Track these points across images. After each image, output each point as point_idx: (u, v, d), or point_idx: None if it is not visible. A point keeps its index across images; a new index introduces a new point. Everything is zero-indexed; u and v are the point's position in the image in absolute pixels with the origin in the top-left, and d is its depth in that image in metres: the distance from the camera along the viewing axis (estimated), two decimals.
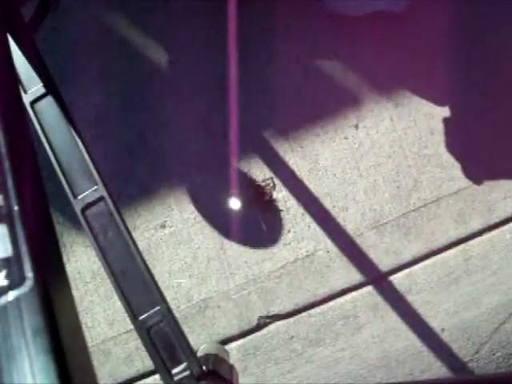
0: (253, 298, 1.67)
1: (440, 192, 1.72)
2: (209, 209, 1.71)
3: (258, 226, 1.69)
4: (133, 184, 1.69)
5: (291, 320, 1.66)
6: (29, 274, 0.49)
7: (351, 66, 1.80)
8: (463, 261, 1.69)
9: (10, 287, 0.48)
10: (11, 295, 0.48)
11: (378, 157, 1.74)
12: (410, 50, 1.79)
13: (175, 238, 1.69)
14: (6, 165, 0.58)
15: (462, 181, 1.72)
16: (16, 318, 0.46)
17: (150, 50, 1.80)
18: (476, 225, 1.70)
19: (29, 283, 0.48)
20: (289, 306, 1.66)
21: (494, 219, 1.70)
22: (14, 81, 0.76)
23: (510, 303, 1.67)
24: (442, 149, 1.73)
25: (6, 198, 0.54)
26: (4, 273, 0.49)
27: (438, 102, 1.77)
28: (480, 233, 1.69)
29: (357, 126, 1.76)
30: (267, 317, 1.66)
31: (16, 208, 0.54)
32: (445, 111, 1.76)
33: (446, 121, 1.77)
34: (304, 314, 1.66)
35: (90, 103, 1.72)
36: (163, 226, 1.70)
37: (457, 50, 1.79)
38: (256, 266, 1.68)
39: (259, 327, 1.66)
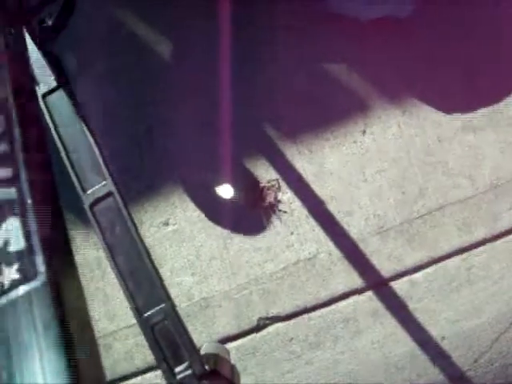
0: (254, 298, 1.67)
1: (445, 200, 1.71)
2: (212, 208, 1.71)
3: (262, 227, 1.69)
4: (139, 180, 1.70)
5: (291, 322, 1.67)
6: (41, 268, 0.49)
7: (360, 71, 1.80)
8: (465, 269, 1.69)
9: (22, 281, 0.48)
10: (22, 289, 0.48)
11: (384, 163, 1.74)
12: (418, 55, 1.79)
13: (178, 235, 1.70)
14: (20, 158, 0.58)
15: (468, 190, 1.72)
16: (27, 311, 0.46)
17: (159, 47, 1.81)
18: (480, 234, 1.70)
19: (41, 278, 0.49)
20: (289, 308, 1.66)
21: (498, 229, 1.70)
22: (29, 74, 0.77)
23: (511, 312, 1.67)
24: (448, 157, 1.73)
25: (20, 191, 0.55)
26: (16, 266, 0.50)
27: (447, 110, 1.77)
28: (483, 242, 1.69)
29: (364, 132, 1.76)
30: (267, 318, 1.66)
31: (29, 201, 0.54)
32: (453, 119, 1.75)
33: (453, 129, 1.76)
34: (304, 316, 1.66)
35: (100, 99, 1.72)
36: (166, 224, 1.71)
37: (466, 56, 1.78)
38: (258, 267, 1.68)
39: (259, 328, 1.66)
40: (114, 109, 1.75)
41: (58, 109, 0.94)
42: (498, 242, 1.69)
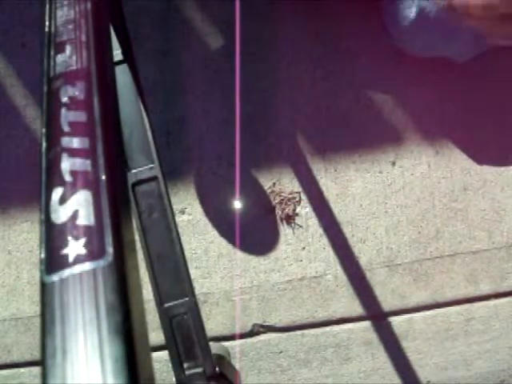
0: (252, 304, 1.66)
1: (458, 248, 1.72)
2: (229, 208, 1.71)
3: (275, 236, 1.69)
4: (164, 164, 1.69)
5: (284, 335, 1.66)
6: (109, 248, 0.49)
7: (401, 104, 1.80)
8: (464, 320, 1.69)
9: (89, 258, 0.48)
10: (88, 265, 0.47)
11: (407, 198, 1.74)
12: (463, 102, 1.79)
13: (191, 226, 1.69)
14: (99, 131, 0.57)
15: (483, 243, 1.72)
16: (91, 289, 0.45)
17: (211, 36, 1.80)
18: (485, 288, 1.70)
19: (108, 258, 0.48)
20: (285, 321, 1.66)
21: (505, 287, 1.71)
22: (109, 43, 0.76)
23: (500, 373, 1.67)
24: (471, 206, 1.73)
25: (95, 165, 0.54)
26: (84, 241, 0.49)
27: (478, 160, 1.78)
28: (488, 297, 1.70)
29: (394, 164, 1.76)
30: (262, 326, 1.66)
31: (103, 177, 0.54)
32: (483, 170, 1.76)
33: (481, 180, 1.77)
34: (298, 332, 1.66)
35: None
36: (182, 212, 1.70)
37: (506, 111, 1.79)
38: (263, 274, 1.68)
39: (251, 334, 1.66)
40: (150, 93, 1.75)
41: (120, 83, 0.94)
42: (503, 301, 1.69)
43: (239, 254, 1.68)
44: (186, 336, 0.84)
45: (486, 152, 1.78)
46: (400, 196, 1.74)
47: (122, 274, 0.49)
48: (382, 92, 1.76)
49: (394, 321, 1.68)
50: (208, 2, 1.79)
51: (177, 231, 0.87)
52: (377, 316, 1.68)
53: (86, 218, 0.51)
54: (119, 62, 0.95)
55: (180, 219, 1.70)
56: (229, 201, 1.70)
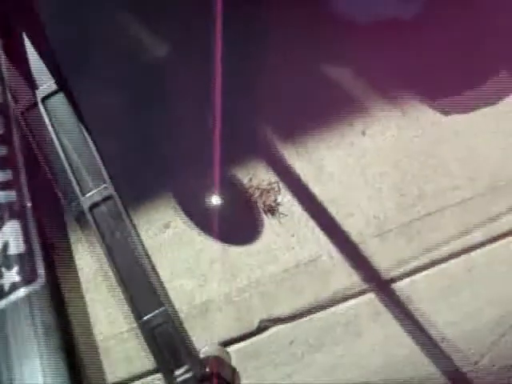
0: (254, 301, 1.66)
1: (444, 202, 1.72)
2: (212, 211, 1.71)
3: (262, 230, 1.69)
4: (139, 184, 1.70)
5: (292, 324, 1.66)
6: (41, 271, 0.49)
7: (359, 73, 1.80)
8: (465, 271, 1.68)
9: (22, 284, 0.48)
10: (23, 291, 0.48)
11: (383, 164, 1.74)
12: (418, 58, 1.79)
13: (178, 239, 1.70)
14: (20, 161, 0.58)
15: (467, 191, 1.72)
16: (27, 314, 0.46)
17: (159, 51, 1.81)
18: (479, 235, 1.70)
19: (41, 280, 0.49)
20: (290, 311, 1.66)
21: (498, 230, 1.70)
22: (28, 77, 0.76)
23: (511, 315, 1.67)
24: (448, 158, 1.73)
25: (19, 194, 0.54)
26: (16, 269, 0.50)
27: (446, 112, 1.78)
28: (483, 244, 1.69)
29: (363, 133, 1.76)
30: (268, 320, 1.66)
31: (29, 204, 0.54)
32: (453, 120, 1.76)
33: (453, 130, 1.77)
34: (305, 318, 1.66)
35: (98, 103, 1.72)
36: (167, 227, 1.71)
37: (467, 58, 1.79)
38: (258, 270, 1.68)
39: (260, 330, 1.66)
40: (112, 113, 1.75)
41: (58, 112, 0.94)
42: (498, 244, 1.69)
43: (231, 255, 1.68)
44: (170, 344, 0.84)
45: (452, 102, 1.78)
46: (376, 164, 1.74)
47: (58, 293, 0.49)
48: (334, 66, 1.76)
49: (397, 287, 1.68)
50: None
51: (141, 244, 0.87)
52: (378, 286, 1.67)
53: (16, 247, 0.51)
54: (54, 93, 0.96)
55: (166, 234, 1.70)
56: (209, 206, 1.70)
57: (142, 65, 1.81)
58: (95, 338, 0.48)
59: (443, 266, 1.69)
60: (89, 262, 1.64)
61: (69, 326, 0.46)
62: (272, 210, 1.70)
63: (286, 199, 1.72)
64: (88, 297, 1.66)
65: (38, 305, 0.46)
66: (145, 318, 0.85)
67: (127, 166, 1.70)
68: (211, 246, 1.69)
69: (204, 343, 1.56)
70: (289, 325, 1.66)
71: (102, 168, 0.93)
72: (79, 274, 1.66)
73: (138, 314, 0.85)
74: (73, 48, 1.74)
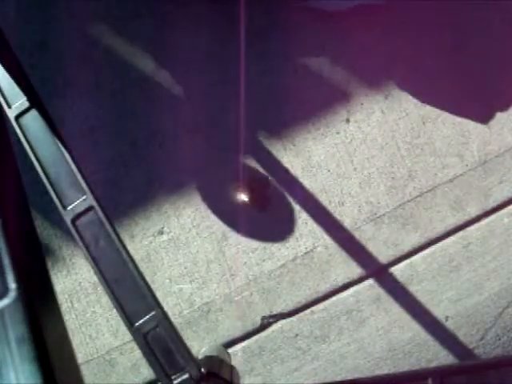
0: (255, 298, 1.66)
1: (435, 180, 1.71)
2: (205, 212, 1.71)
3: (256, 226, 1.69)
4: (128, 192, 1.70)
5: (294, 318, 1.66)
6: (12, 285, 0.49)
7: (338, 61, 1.80)
8: (463, 248, 1.68)
9: None
10: None
11: (370, 149, 1.74)
12: (395, 41, 1.79)
13: (174, 243, 1.69)
14: None
15: (457, 168, 1.72)
16: (0, 328, 0.45)
17: (138, 59, 1.81)
18: (473, 211, 1.70)
19: (12, 294, 0.48)
20: (291, 305, 1.66)
21: (491, 204, 1.70)
22: None
23: None
24: (435, 137, 1.73)
25: None
26: None
27: (429, 91, 1.77)
28: (478, 218, 1.69)
29: (348, 120, 1.76)
30: (270, 316, 1.66)
31: None
32: (436, 99, 1.75)
33: (437, 108, 1.76)
34: (307, 311, 1.66)
35: (82, 115, 1.73)
36: (161, 233, 1.71)
37: (442, 39, 1.79)
38: (256, 267, 1.68)
39: (263, 327, 1.66)
40: (97, 123, 1.75)
41: (33, 129, 0.94)
42: (493, 217, 1.69)
43: (227, 255, 1.68)
44: (164, 347, 0.84)
45: (434, 81, 1.78)
46: (363, 149, 1.74)
47: (30, 306, 0.49)
48: (313, 57, 1.76)
49: (396, 270, 1.68)
50: None
51: (126, 250, 0.87)
52: (377, 271, 1.68)
53: None
54: (27, 110, 0.96)
55: (161, 240, 1.70)
56: (201, 207, 1.70)
57: (123, 72, 1.81)
58: (73, 348, 0.47)
59: (440, 244, 1.69)
60: (87, 276, 1.65)
61: (43, 337, 0.46)
62: (264, 206, 1.70)
63: (277, 194, 1.72)
64: (89, 310, 1.67)
65: (9, 318, 0.46)
66: (136, 324, 0.85)
67: (117, 174, 1.70)
68: (206, 248, 1.69)
69: (208, 345, 1.56)
70: (292, 319, 1.66)
71: (81, 179, 0.92)
72: (78, 288, 1.66)
73: (128, 321, 0.85)
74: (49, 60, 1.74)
